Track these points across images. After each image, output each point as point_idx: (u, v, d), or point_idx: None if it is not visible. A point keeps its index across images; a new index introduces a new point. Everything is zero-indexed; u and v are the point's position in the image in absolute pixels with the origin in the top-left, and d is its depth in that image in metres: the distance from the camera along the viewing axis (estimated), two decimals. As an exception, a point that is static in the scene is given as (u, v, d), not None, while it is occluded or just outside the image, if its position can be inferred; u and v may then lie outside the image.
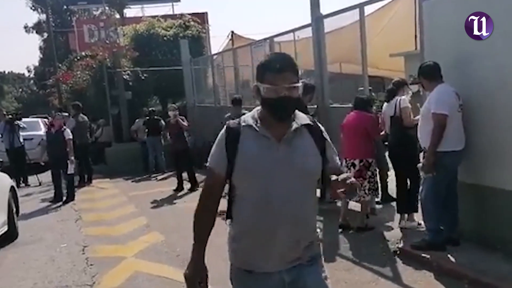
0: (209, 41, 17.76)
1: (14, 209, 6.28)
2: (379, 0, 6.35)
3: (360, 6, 5.61)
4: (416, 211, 4.88)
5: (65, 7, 33.72)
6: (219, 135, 1.88)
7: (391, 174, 5.59)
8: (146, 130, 10.88)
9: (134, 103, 12.20)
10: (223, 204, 1.91)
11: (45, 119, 17.82)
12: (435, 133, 3.96)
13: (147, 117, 10.92)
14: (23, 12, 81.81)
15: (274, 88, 1.75)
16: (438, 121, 3.95)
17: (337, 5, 18.82)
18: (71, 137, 8.22)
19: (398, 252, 4.39)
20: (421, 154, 4.46)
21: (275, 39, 8.14)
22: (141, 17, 16.75)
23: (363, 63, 5.67)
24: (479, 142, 4.11)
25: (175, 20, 14.25)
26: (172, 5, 22.31)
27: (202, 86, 12.13)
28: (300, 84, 1.79)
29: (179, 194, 8.43)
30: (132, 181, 10.19)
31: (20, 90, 45.55)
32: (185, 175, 8.68)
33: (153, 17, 14.59)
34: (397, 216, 5.25)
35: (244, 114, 8.27)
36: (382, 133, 5.30)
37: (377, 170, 5.39)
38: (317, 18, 6.39)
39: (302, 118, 1.88)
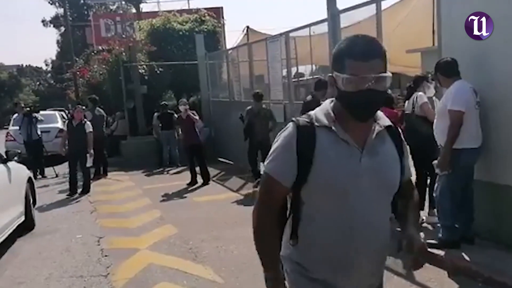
0: (224, 36, 17.77)
1: (31, 200, 6.40)
2: (396, -5, 6.26)
3: (377, 1, 5.54)
4: (435, 207, 4.84)
5: (82, 1, 34.10)
6: (284, 135, 1.53)
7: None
8: (160, 124, 10.96)
9: (149, 97, 12.28)
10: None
11: (62, 112, 18.12)
12: (451, 130, 3.91)
13: (160, 112, 10.98)
14: (41, 5, 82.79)
15: (358, 79, 1.40)
16: (454, 118, 3.89)
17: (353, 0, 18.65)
18: (91, 130, 8.33)
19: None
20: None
21: (291, 34, 8.10)
22: (157, 11, 16.84)
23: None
24: (496, 139, 4.05)
25: (190, 14, 14.28)
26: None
27: (217, 80, 12.15)
28: (389, 74, 1.45)
29: (193, 188, 8.48)
30: (147, 175, 10.28)
31: (38, 83, 46.29)
32: (198, 169, 8.73)
33: (169, 11, 14.62)
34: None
35: (264, 108, 8.10)
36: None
37: None
38: (333, 13, 6.34)
39: (383, 118, 1.57)
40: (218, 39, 14.45)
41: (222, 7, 20.14)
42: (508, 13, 3.86)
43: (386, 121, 1.57)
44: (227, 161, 10.92)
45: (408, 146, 1.72)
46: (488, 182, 4.15)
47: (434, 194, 4.36)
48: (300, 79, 11.65)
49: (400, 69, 13.22)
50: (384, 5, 5.90)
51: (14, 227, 5.55)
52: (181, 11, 15.09)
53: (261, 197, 1.58)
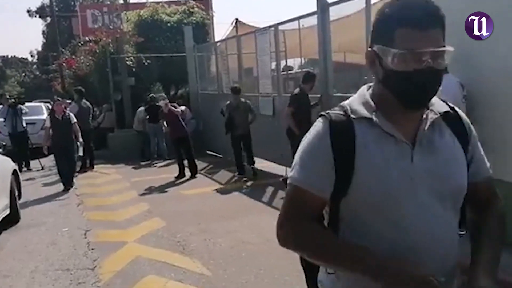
0: (213, 28, 17.63)
1: (16, 193, 6.31)
2: (385, -11, 6.26)
3: (366, -5, 5.55)
4: None
5: (68, -9, 33.54)
6: (313, 134, 1.20)
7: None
8: (147, 117, 10.87)
9: (137, 89, 12.17)
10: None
11: (48, 104, 17.88)
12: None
13: (148, 104, 10.89)
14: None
15: (415, 54, 1.08)
16: (441, 112, 3.91)
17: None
18: (76, 120, 8.25)
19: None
20: None
21: (280, 27, 8.07)
22: (145, 2, 16.62)
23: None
24: (480, 133, 4.07)
25: (179, 6, 14.14)
26: (176, -9, 22.12)
27: (206, 73, 12.08)
28: (451, 49, 1.12)
29: (181, 181, 8.45)
30: (134, 167, 10.21)
31: (23, 74, 45.56)
32: (186, 162, 8.70)
33: (157, 3, 14.47)
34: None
35: (243, 101, 8.30)
36: None
37: None
38: (323, 6, 6.33)
39: (437, 102, 1.22)
40: (207, 31, 14.35)
41: (210, -1, 19.95)
42: (495, 9, 3.88)
43: (442, 106, 1.22)
44: (215, 154, 10.89)
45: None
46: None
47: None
48: (289, 72, 11.66)
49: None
50: (373, -1, 5.91)
51: (0, 220, 5.48)
52: (169, 3, 14.93)
53: (290, 217, 1.20)
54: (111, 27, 12.50)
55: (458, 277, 1.25)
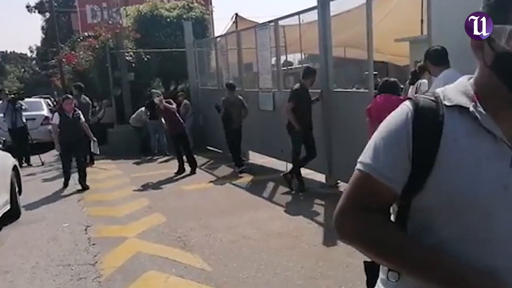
0: (212, 23, 17.57)
1: (17, 188, 6.30)
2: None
3: (368, -11, 5.52)
4: None
5: (67, -14, 33.42)
6: (394, 118, 1.05)
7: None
8: (148, 113, 10.84)
9: (136, 84, 12.14)
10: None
11: (47, 99, 17.85)
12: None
13: (148, 100, 10.85)
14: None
15: None
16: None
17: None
18: (84, 118, 8.04)
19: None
20: None
21: (280, 22, 8.04)
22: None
23: (369, 48, 5.59)
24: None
25: (178, 1, 14.08)
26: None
27: (206, 68, 12.05)
28: None
29: (181, 176, 8.44)
30: (134, 163, 10.20)
31: (23, 70, 45.46)
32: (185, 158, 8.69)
33: (157, -3, 14.39)
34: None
35: (238, 97, 8.64)
36: None
37: None
38: (323, 1, 6.30)
39: None
40: (207, 26, 14.29)
41: (210, -6, 19.86)
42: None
43: None
44: (215, 149, 10.89)
45: None
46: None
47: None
48: (289, 67, 11.64)
49: (388, 58, 13.30)
50: (374, -6, 5.88)
51: (0, 215, 5.47)
52: (168, -3, 14.86)
53: (354, 207, 1.06)
54: (110, 22, 12.46)
55: None
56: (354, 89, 7.20)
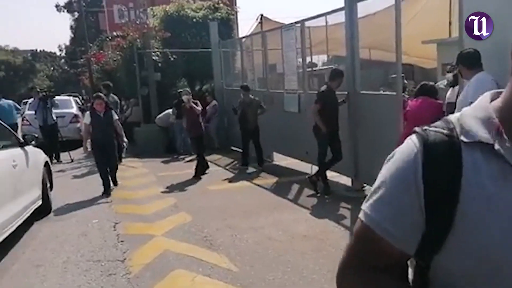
0: (237, 24, 17.66)
1: (48, 184, 6.49)
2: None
3: (397, -9, 5.47)
4: None
5: (96, -14, 34.05)
6: (399, 159, 0.85)
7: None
8: (175, 112, 10.97)
9: (163, 84, 12.31)
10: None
11: (76, 98, 18.27)
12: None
13: (176, 100, 10.98)
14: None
15: None
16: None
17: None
18: (117, 118, 7.77)
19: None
20: None
21: (306, 23, 8.02)
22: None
23: (398, 50, 5.54)
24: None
25: (204, 1, 14.20)
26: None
27: (230, 69, 12.12)
28: None
29: (206, 176, 8.50)
30: (161, 162, 10.35)
31: (52, 68, 46.60)
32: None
33: (183, -2, 14.55)
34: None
35: (254, 99, 8.85)
36: None
37: None
38: (351, 2, 6.27)
39: None
40: (232, 27, 14.37)
41: (235, -5, 19.96)
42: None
43: None
44: (239, 150, 10.94)
45: None
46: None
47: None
48: (314, 69, 11.60)
49: (414, 60, 13.10)
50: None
51: (32, 211, 5.65)
52: (194, -2, 15.00)
53: (356, 265, 0.89)
54: (137, 22, 12.66)
55: None
56: (381, 92, 7.13)
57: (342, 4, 6.43)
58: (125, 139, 7.94)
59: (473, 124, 0.82)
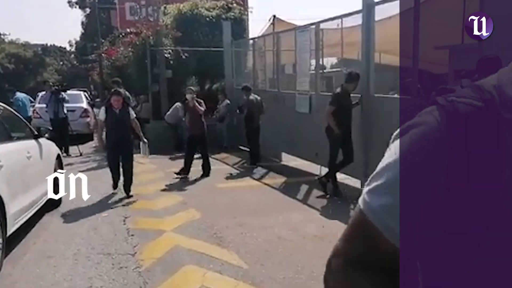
0: (248, 24, 17.68)
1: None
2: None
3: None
4: None
5: (108, -17, 34.20)
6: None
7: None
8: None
9: (173, 82, 12.35)
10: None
11: (85, 92, 18.37)
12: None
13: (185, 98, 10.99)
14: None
15: None
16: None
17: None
18: (135, 115, 7.34)
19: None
20: None
21: (321, 25, 8.02)
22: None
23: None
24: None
25: (218, 1, 14.23)
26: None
27: (242, 68, 12.13)
28: None
29: (215, 174, 8.48)
30: (169, 158, 10.37)
31: (61, 63, 46.86)
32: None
33: (197, -3, 14.59)
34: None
35: (258, 98, 8.71)
36: None
37: None
38: (369, 5, 6.26)
39: None
40: (244, 26, 14.39)
41: (247, -4, 19.96)
42: None
43: None
44: (247, 149, 10.94)
45: None
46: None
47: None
48: (325, 71, 11.58)
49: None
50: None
51: (43, 202, 5.68)
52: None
53: (346, 259, 0.74)
54: (151, 19, 12.71)
55: None
56: (396, 95, 7.11)
57: (348, 10, 6.46)
58: (145, 139, 7.48)
59: None
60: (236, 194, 7.03)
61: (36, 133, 5.95)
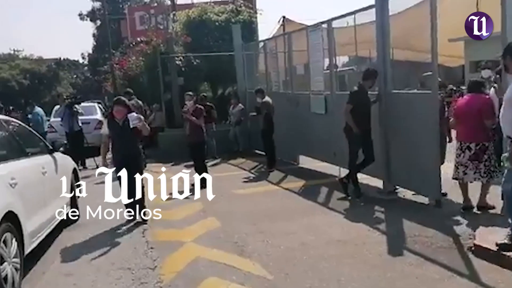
0: (257, 27, 17.58)
1: (77, 192, 6.45)
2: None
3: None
4: None
5: (117, -6, 34.56)
6: None
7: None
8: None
9: (185, 89, 12.27)
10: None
11: (99, 104, 18.45)
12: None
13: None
14: (77, 0, 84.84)
15: None
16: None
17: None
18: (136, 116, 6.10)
19: (473, 248, 4.11)
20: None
21: (333, 23, 7.83)
22: (192, 3, 16.81)
23: (433, 49, 5.35)
24: None
25: (226, 5, 14.17)
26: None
27: (253, 71, 12.01)
28: None
29: (232, 180, 8.39)
30: (184, 166, 10.26)
31: (75, 76, 47.38)
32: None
33: (205, 2, 14.56)
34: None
35: (270, 101, 8.22)
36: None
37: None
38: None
39: None
40: (254, 29, 14.29)
41: (255, -3, 19.85)
42: None
43: None
44: (262, 153, 10.80)
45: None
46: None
47: (501, 189, 4.09)
48: (337, 70, 11.37)
49: (440, 59, 12.78)
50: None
51: (61, 218, 5.61)
52: (217, 2, 14.99)
53: None
54: (161, 27, 12.70)
55: None
56: (415, 91, 6.90)
57: (359, 6, 6.30)
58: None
59: None
60: (254, 200, 6.89)
61: (51, 147, 5.90)
